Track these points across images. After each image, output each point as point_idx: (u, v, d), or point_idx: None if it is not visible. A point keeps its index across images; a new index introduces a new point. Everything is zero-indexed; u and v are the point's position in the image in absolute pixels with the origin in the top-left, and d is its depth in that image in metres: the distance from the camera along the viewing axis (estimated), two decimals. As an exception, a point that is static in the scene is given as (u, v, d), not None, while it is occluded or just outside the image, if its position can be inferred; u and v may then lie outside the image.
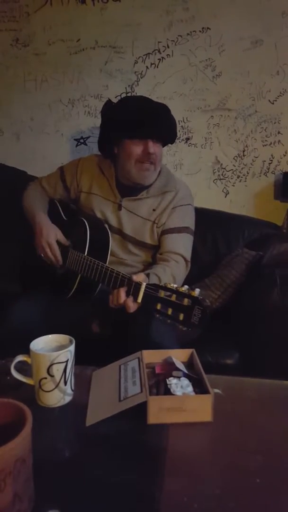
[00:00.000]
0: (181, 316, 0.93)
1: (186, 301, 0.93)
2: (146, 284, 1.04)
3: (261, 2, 1.85)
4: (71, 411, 0.81)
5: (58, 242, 1.39)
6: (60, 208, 1.53)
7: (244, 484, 0.63)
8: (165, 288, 0.98)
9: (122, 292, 1.09)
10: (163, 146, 1.40)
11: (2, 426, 0.59)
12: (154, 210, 1.41)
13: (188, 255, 1.41)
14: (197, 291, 0.93)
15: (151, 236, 1.43)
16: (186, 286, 0.96)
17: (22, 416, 0.57)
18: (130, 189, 1.42)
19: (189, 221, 1.45)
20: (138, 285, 1.05)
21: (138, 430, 0.75)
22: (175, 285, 0.97)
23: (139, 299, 1.04)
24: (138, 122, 1.31)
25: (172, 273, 1.30)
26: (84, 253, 1.29)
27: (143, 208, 1.42)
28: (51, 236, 1.38)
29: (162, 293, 0.98)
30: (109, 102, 1.46)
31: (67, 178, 1.53)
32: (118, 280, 1.13)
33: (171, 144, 1.49)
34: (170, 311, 0.95)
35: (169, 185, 1.43)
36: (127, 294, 1.09)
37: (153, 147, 1.32)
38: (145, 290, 1.03)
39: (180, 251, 1.38)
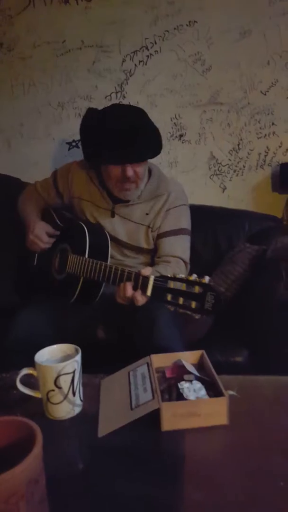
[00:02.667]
0: (194, 304, 0.91)
1: (197, 289, 0.91)
2: (155, 276, 1.01)
3: (247, -8, 1.82)
4: (82, 423, 0.78)
5: (48, 235, 1.42)
6: (55, 216, 1.52)
7: (268, 488, 0.60)
8: (174, 279, 0.96)
9: (129, 286, 1.07)
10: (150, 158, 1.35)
11: (12, 445, 0.56)
12: (147, 214, 1.39)
13: (187, 257, 1.39)
14: (207, 278, 0.92)
15: (146, 241, 1.40)
16: (195, 275, 0.94)
17: (32, 434, 0.54)
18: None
19: (185, 222, 1.42)
20: (146, 278, 1.03)
21: (152, 438, 0.72)
22: (183, 275, 0.95)
23: (148, 292, 1.01)
24: (110, 148, 1.25)
25: (174, 272, 1.28)
26: (85, 256, 1.26)
27: (136, 213, 1.39)
28: (38, 228, 1.40)
29: (171, 284, 0.96)
30: (89, 113, 1.37)
31: (59, 184, 1.51)
32: (124, 277, 1.11)
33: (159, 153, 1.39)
34: (181, 301, 0.93)
35: (160, 188, 1.40)
36: (135, 289, 1.06)
37: (131, 169, 1.27)
38: (154, 282, 1.01)
39: (178, 253, 1.36)
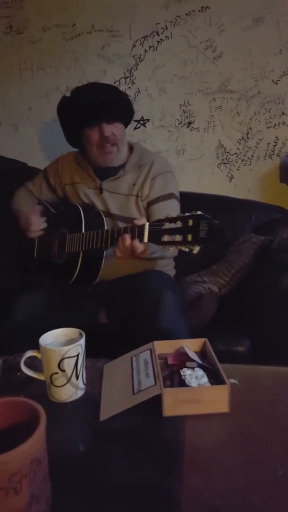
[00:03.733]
0: (190, 237, 0.92)
1: (191, 222, 0.92)
2: (149, 222, 1.03)
3: (262, -23, 1.78)
4: (84, 406, 0.79)
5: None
6: (49, 206, 1.55)
7: (266, 476, 0.61)
8: (167, 219, 0.97)
9: (127, 236, 1.08)
10: (126, 125, 1.41)
11: (16, 426, 0.57)
12: (134, 184, 1.41)
13: None
14: (198, 212, 0.92)
15: (138, 211, 1.42)
16: (187, 213, 0.95)
17: (36, 415, 0.55)
18: (107, 172, 1.42)
19: (172, 187, 1.43)
20: (141, 227, 1.04)
21: (153, 423, 0.73)
22: (176, 215, 0.97)
23: (145, 239, 1.03)
24: (84, 108, 1.31)
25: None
26: (82, 231, 1.28)
27: (123, 186, 1.42)
28: (32, 217, 1.45)
29: (166, 225, 0.97)
30: (63, 99, 1.44)
31: (50, 177, 1.55)
32: (120, 232, 1.12)
33: (131, 120, 1.47)
34: (178, 237, 0.94)
35: (143, 158, 1.44)
36: (132, 239, 1.07)
37: (108, 129, 1.32)
38: (149, 228, 1.02)
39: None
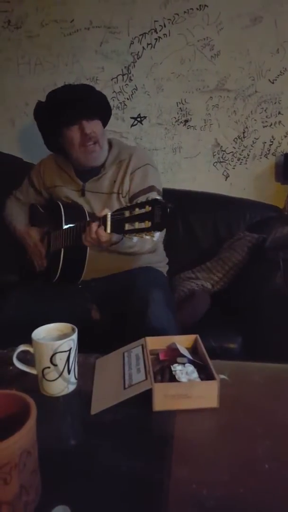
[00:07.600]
0: (147, 223, 0.92)
1: (147, 208, 0.93)
2: (111, 212, 1.04)
3: (260, -24, 1.79)
4: (76, 400, 0.80)
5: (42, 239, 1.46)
6: (38, 206, 1.56)
7: (253, 469, 0.62)
8: (127, 208, 0.98)
9: (94, 225, 1.09)
10: (104, 123, 1.41)
11: (7, 418, 0.58)
12: (114, 181, 1.41)
13: None
14: (155, 197, 0.94)
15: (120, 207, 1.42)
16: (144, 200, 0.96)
17: (26, 408, 0.56)
18: (89, 173, 1.42)
19: (152, 180, 1.41)
20: (104, 217, 1.05)
21: (144, 417, 0.74)
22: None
23: (108, 229, 1.04)
24: (62, 107, 1.31)
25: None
26: (62, 228, 1.29)
27: (105, 184, 1.41)
28: (32, 238, 1.47)
29: (127, 213, 0.98)
30: (38, 103, 1.45)
31: (34, 182, 1.56)
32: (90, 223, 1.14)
33: (109, 119, 1.46)
34: (137, 225, 0.95)
35: (121, 154, 1.43)
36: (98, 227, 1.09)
37: (88, 126, 1.31)
38: (111, 218, 1.03)
39: None
